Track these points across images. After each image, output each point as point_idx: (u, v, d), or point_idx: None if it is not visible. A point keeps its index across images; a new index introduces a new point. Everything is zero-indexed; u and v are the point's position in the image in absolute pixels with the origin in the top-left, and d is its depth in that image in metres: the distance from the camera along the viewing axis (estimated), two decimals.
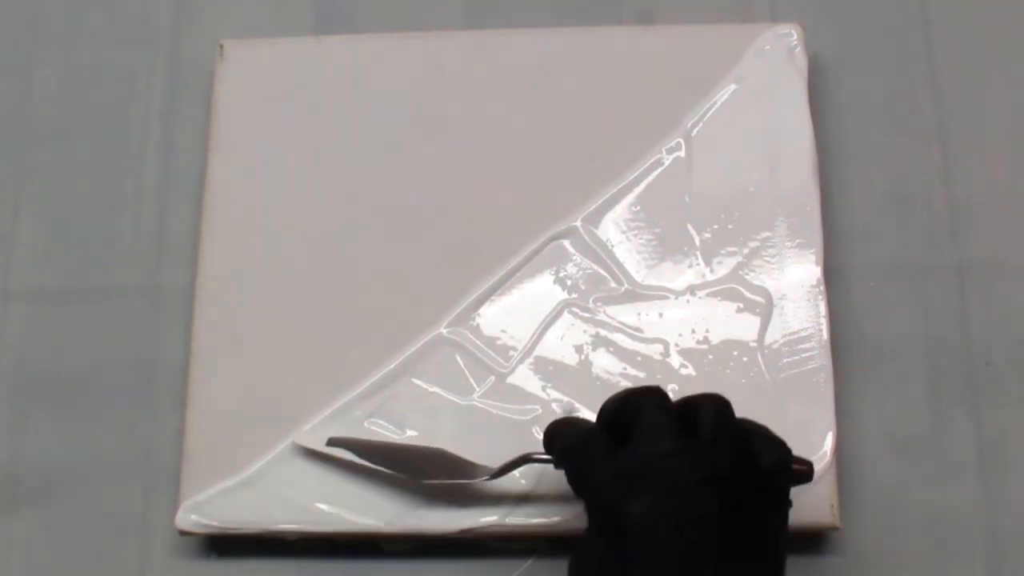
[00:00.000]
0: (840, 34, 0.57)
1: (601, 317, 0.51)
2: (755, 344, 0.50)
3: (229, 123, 0.55)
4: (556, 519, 0.49)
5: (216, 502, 0.50)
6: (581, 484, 0.41)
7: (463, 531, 0.49)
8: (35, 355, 0.55)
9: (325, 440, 0.49)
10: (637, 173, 0.53)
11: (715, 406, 0.40)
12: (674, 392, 0.50)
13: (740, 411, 0.49)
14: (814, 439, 0.49)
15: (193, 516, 0.49)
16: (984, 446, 0.51)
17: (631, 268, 0.52)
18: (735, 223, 0.52)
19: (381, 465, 0.48)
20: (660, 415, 0.40)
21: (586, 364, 0.51)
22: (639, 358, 0.51)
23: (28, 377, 0.55)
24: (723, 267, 0.52)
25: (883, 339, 0.53)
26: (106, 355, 0.55)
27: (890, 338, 0.53)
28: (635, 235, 0.52)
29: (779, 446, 0.41)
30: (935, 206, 0.55)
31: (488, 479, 0.47)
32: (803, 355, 0.50)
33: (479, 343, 0.51)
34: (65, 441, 0.54)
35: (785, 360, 0.50)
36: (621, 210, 0.53)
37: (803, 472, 0.41)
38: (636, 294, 0.52)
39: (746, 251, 0.52)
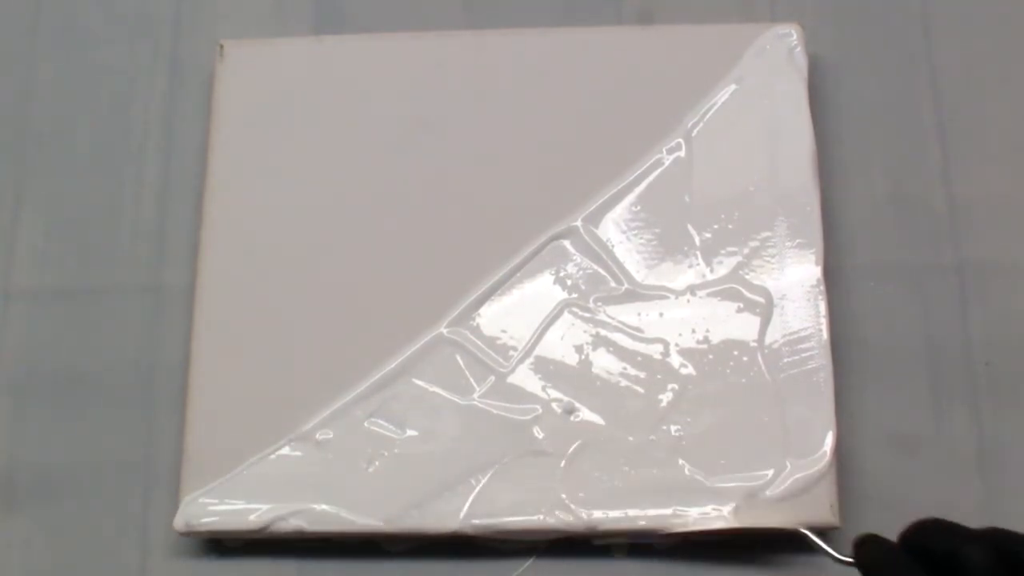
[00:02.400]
0: (840, 34, 0.57)
1: (601, 317, 0.51)
2: (755, 344, 0.50)
3: (229, 123, 0.55)
4: (555, 519, 0.49)
5: (215, 502, 0.50)
6: None
7: (463, 531, 0.49)
8: (35, 355, 0.55)
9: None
10: (637, 173, 0.53)
11: None
12: (674, 391, 0.50)
13: (740, 411, 0.49)
14: (814, 439, 0.49)
15: (192, 516, 0.49)
16: (984, 446, 0.51)
17: (631, 268, 0.52)
18: (735, 223, 0.52)
19: None
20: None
21: (586, 364, 0.51)
22: (639, 358, 0.51)
23: (28, 377, 0.55)
24: (723, 267, 0.52)
25: (883, 339, 0.53)
26: (106, 355, 0.55)
27: (890, 338, 0.53)
28: (635, 235, 0.52)
29: None
30: (935, 206, 0.55)
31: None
32: (803, 355, 0.50)
33: (479, 343, 0.51)
34: (65, 441, 0.54)
35: (785, 360, 0.50)
36: (621, 210, 0.53)
37: None
38: (636, 294, 0.52)
39: (746, 251, 0.52)
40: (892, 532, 0.50)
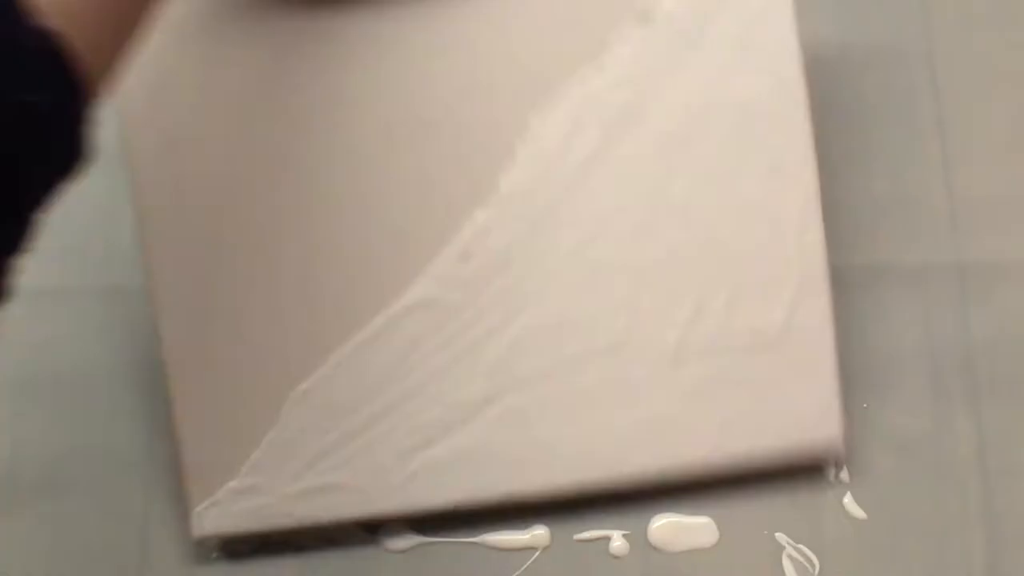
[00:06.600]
0: (840, 33, 0.57)
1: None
2: (759, 342, 0.50)
3: (144, 107, 0.50)
4: (556, 482, 0.49)
5: (227, 505, 0.49)
6: None
7: (458, 504, 0.49)
8: (35, 355, 0.55)
9: None
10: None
11: None
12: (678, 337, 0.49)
13: (743, 409, 0.49)
14: (818, 436, 0.49)
15: (208, 521, 0.49)
16: (985, 446, 0.51)
17: None
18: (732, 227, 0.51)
19: None
20: None
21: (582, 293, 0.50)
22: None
23: (28, 377, 0.54)
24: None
25: (883, 339, 0.53)
26: (106, 355, 0.54)
27: (890, 338, 0.53)
28: None
29: None
30: (935, 206, 0.55)
31: None
32: (805, 354, 0.50)
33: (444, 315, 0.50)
34: (65, 441, 0.54)
35: (787, 359, 0.50)
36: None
37: None
38: None
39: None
40: (892, 532, 0.51)
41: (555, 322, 0.49)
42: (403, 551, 0.51)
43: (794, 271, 0.49)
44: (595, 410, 0.49)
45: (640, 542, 0.51)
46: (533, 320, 0.49)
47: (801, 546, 0.50)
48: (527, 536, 0.51)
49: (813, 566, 0.50)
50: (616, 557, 0.51)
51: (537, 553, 0.51)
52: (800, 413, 0.49)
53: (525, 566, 0.51)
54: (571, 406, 0.49)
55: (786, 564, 0.50)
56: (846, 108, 0.56)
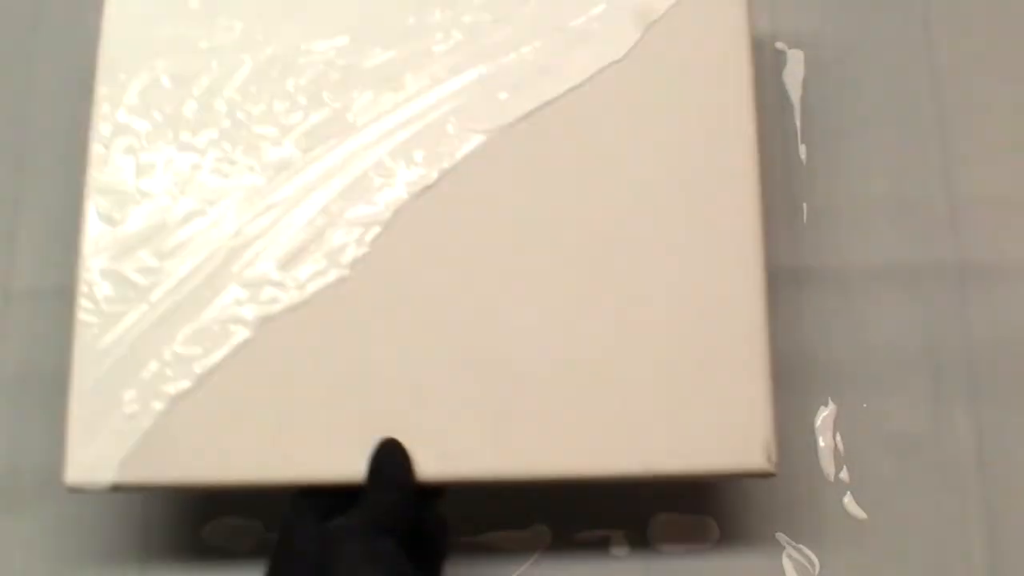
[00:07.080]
0: (840, 34, 0.57)
1: None
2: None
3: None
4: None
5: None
6: None
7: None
8: (35, 355, 0.55)
9: None
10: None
11: None
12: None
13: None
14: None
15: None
16: (984, 446, 0.51)
17: None
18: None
19: None
20: None
21: None
22: None
23: (28, 377, 0.55)
24: None
25: (883, 339, 0.53)
26: None
27: (890, 338, 0.53)
28: None
29: None
30: (935, 206, 0.55)
31: None
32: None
33: None
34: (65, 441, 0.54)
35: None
36: None
37: None
38: None
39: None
40: (891, 532, 0.51)
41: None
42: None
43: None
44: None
45: (640, 542, 0.51)
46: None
47: (801, 546, 0.51)
48: (527, 536, 0.51)
49: (813, 566, 0.50)
50: (616, 557, 0.51)
51: (537, 553, 0.51)
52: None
53: (525, 566, 0.51)
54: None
55: (786, 564, 0.50)
56: (846, 108, 0.56)
